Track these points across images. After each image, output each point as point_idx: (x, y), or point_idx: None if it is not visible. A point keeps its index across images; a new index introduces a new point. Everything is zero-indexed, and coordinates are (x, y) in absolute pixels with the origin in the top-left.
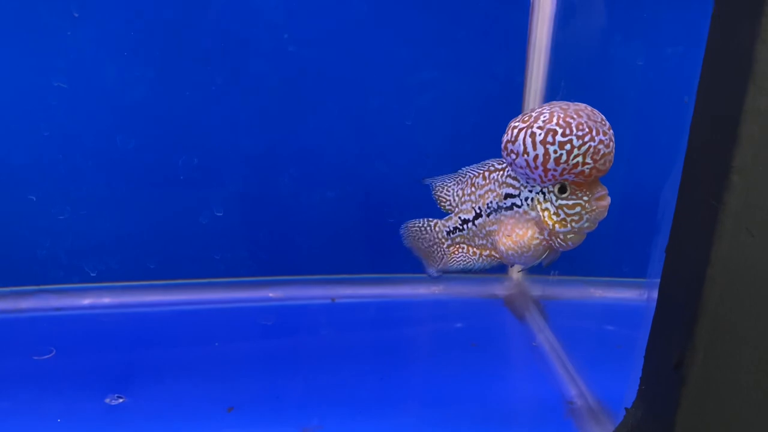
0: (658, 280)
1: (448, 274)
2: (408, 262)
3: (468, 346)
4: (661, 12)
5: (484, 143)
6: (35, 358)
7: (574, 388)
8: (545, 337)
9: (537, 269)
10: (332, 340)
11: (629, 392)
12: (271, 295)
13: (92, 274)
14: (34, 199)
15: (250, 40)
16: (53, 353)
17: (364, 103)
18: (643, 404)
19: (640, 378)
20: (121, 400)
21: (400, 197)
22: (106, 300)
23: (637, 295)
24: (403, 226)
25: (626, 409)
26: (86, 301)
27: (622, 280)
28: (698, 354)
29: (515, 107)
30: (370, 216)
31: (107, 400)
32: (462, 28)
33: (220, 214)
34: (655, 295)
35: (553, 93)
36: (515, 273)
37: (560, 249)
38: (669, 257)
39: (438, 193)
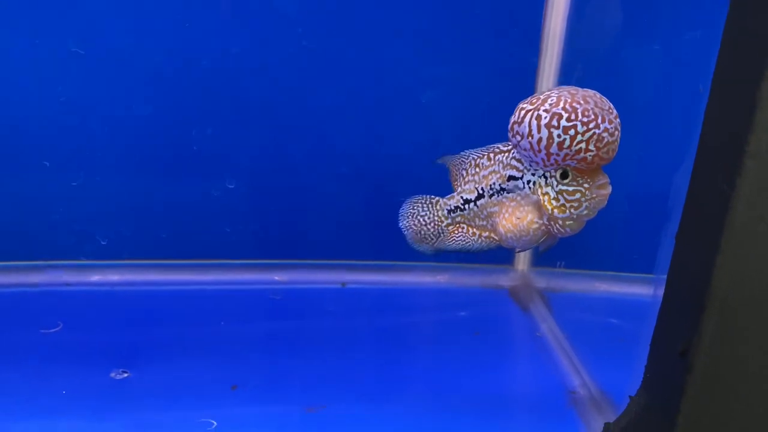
0: (665, 277)
1: (444, 253)
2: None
3: (472, 335)
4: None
5: (494, 130)
6: (43, 331)
7: (577, 378)
8: (549, 328)
9: (543, 261)
10: (339, 324)
11: (633, 383)
12: (277, 278)
13: (103, 242)
14: (48, 164)
15: (266, 23)
16: (60, 327)
17: (375, 90)
18: (648, 392)
19: (645, 366)
20: (126, 375)
21: (413, 183)
22: (115, 277)
23: (643, 290)
24: (405, 201)
25: (630, 397)
26: (95, 277)
27: (628, 275)
28: (705, 341)
29: (528, 94)
30: (381, 203)
31: (112, 375)
32: (476, 15)
33: (232, 187)
34: (661, 291)
35: (566, 80)
36: (521, 264)
37: (558, 235)
38: (679, 243)
39: (451, 170)
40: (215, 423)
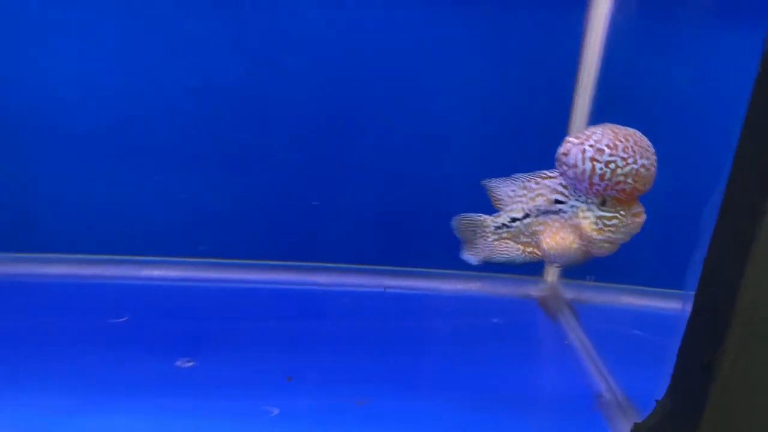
0: (693, 293)
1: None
2: (449, 259)
3: (503, 340)
4: (713, 32)
5: (526, 152)
6: (111, 321)
7: (604, 384)
8: (577, 337)
9: (573, 273)
10: (381, 325)
11: (657, 392)
12: (326, 280)
13: (201, 248)
14: (159, 179)
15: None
16: (126, 319)
17: (418, 102)
18: (673, 397)
19: (672, 374)
20: (190, 364)
21: (452, 200)
22: (177, 273)
23: (667, 304)
24: (454, 218)
25: (657, 401)
26: (156, 272)
27: (655, 290)
28: (729, 354)
29: (562, 125)
30: (423, 216)
31: (178, 363)
32: (513, 38)
33: (317, 204)
34: (689, 307)
35: (600, 110)
36: (550, 276)
37: (595, 255)
38: (707, 265)
39: (493, 193)
40: (277, 410)
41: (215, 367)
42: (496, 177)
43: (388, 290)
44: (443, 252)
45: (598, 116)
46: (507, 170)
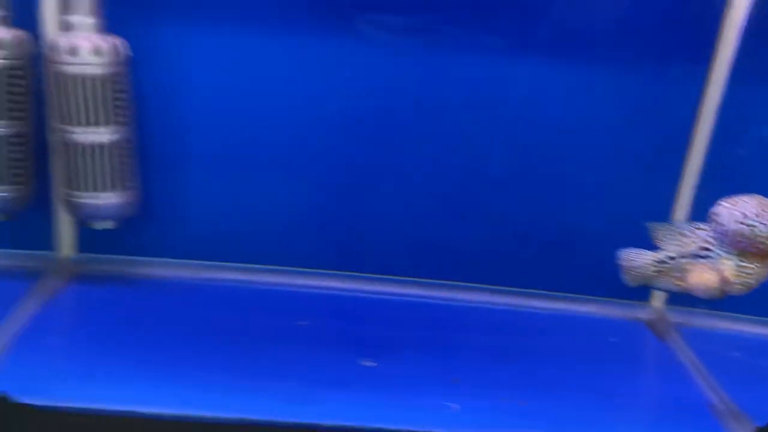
0: None
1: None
2: (567, 283)
3: (621, 356)
4: None
5: (637, 201)
6: (296, 323)
7: (715, 396)
8: (686, 356)
9: (677, 300)
10: (518, 340)
11: None
12: (469, 297)
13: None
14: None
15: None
16: (308, 323)
17: (547, 148)
18: None
19: None
20: (373, 364)
21: (576, 232)
22: (350, 285)
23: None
24: (620, 251)
25: None
26: (331, 284)
27: (755, 318)
28: None
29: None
30: (553, 244)
31: (362, 363)
32: (636, 98)
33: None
34: None
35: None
36: (656, 301)
37: (730, 294)
38: None
39: (658, 236)
40: (457, 406)
41: (394, 368)
42: (611, 221)
43: (519, 309)
44: (562, 277)
45: (707, 177)
46: (621, 215)
